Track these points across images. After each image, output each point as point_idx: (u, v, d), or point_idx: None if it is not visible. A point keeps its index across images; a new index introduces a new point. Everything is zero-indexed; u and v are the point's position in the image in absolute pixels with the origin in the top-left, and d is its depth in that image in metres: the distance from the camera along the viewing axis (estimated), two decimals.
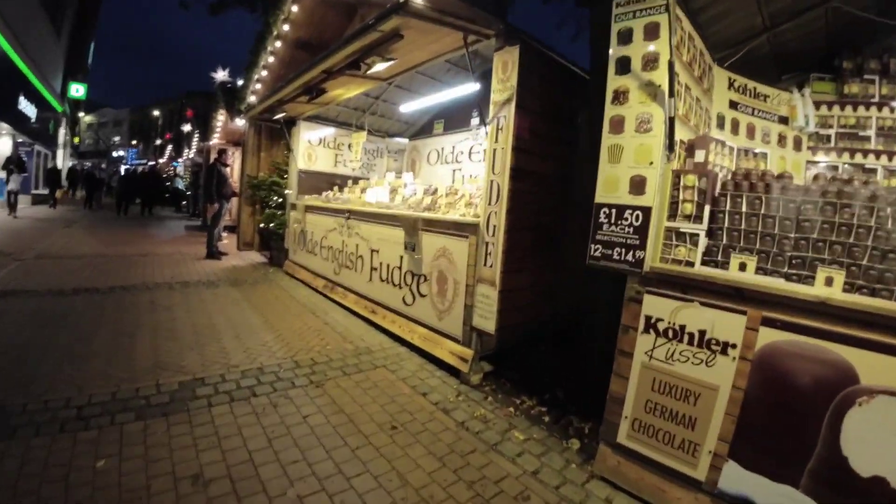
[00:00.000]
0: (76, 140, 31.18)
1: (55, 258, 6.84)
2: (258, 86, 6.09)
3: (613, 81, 2.45)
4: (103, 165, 26.18)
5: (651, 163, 2.33)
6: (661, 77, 2.28)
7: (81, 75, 21.08)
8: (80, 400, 2.70)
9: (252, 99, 6.57)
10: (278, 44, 5.31)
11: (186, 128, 18.97)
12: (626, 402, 2.40)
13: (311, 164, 7.44)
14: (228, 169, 7.95)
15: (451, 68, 6.85)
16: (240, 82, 7.22)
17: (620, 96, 2.43)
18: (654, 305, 2.33)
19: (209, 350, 3.64)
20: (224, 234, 9.63)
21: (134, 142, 47.70)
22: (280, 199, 7.65)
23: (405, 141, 8.54)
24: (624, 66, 2.42)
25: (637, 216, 2.36)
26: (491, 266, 3.35)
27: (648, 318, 2.34)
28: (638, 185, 2.36)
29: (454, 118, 7.50)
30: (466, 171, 7.15)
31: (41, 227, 10.54)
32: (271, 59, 5.69)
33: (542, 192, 3.61)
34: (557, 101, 3.71)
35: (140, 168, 23.98)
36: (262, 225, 7.59)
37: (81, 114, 31.91)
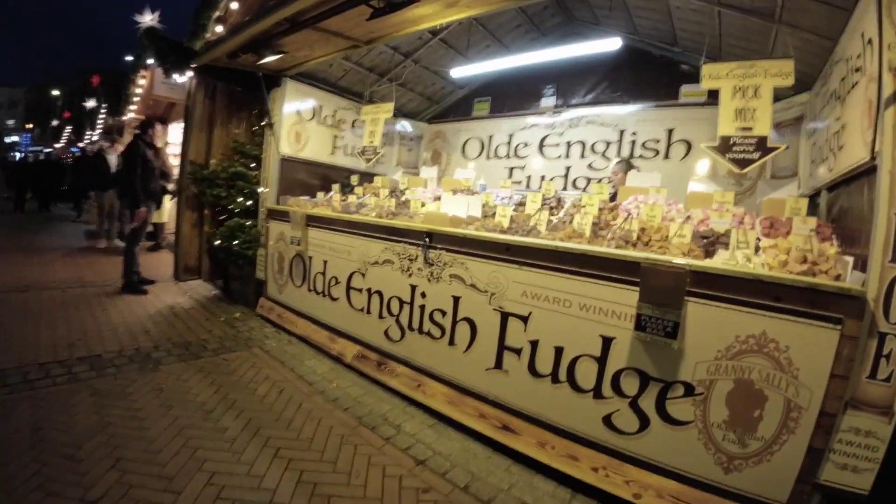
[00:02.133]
0: None
1: None
2: (234, 4, 3.48)
3: None
4: None
5: None
6: None
7: None
8: None
9: (218, 29, 3.88)
10: None
11: (90, 103, 14.41)
12: None
13: (299, 149, 4.91)
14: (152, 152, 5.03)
15: (521, 24, 4.78)
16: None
17: None
18: None
19: None
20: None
21: (29, 125, 40.60)
22: (249, 203, 4.96)
23: (423, 125, 6.27)
24: None
25: None
26: (888, 379, 1.57)
27: None
28: None
29: (507, 97, 5.42)
30: (534, 169, 5.13)
31: None
32: None
33: None
34: None
35: (34, 156, 18.47)
36: (216, 242, 4.86)
37: None
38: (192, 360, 3.31)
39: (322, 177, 5.18)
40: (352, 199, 4.44)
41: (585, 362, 2.23)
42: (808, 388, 1.77)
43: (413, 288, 3.02)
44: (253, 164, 5.15)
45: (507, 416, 2.51)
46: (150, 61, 5.90)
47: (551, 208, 3.26)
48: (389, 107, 4.52)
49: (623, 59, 4.38)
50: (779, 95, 2.84)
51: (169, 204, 7.31)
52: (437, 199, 4.10)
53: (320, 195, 4.83)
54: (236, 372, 3.20)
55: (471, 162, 5.65)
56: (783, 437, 1.83)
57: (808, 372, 1.76)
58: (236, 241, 4.78)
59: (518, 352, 2.47)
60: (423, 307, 2.96)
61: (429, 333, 2.93)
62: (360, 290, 3.47)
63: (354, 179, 5.04)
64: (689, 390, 1.98)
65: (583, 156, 4.74)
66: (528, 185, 5.07)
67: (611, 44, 3.53)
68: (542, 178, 5.02)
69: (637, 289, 2.07)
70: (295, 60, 3.94)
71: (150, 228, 6.24)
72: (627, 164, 3.98)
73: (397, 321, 3.15)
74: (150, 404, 2.61)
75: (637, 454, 2.13)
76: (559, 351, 2.31)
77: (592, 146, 4.68)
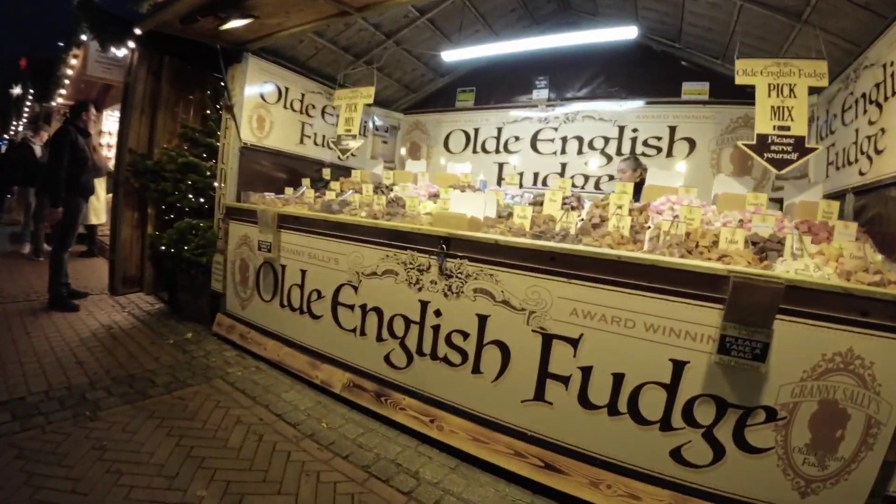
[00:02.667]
0: None
1: None
2: None
3: None
4: None
5: None
6: None
7: None
8: None
9: None
10: None
11: (17, 90, 12.43)
12: None
13: (262, 137, 4.24)
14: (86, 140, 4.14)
15: (515, 8, 4.40)
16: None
17: None
18: None
19: None
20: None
21: None
22: (203, 200, 4.21)
23: (398, 115, 5.76)
24: None
25: None
26: None
27: None
28: None
29: (494, 88, 5.04)
30: (527, 165, 4.79)
31: None
32: None
33: None
34: None
35: None
36: (163, 247, 4.08)
37: None
38: (138, 401, 2.63)
39: (289, 169, 4.53)
40: (329, 195, 3.88)
41: (651, 390, 1.91)
42: (888, 403, 1.68)
43: (424, 305, 2.56)
44: (206, 155, 4.40)
45: (551, 454, 2.15)
46: (84, 38, 4.95)
47: (572, 208, 2.93)
48: (370, 91, 3.99)
49: (621, 53, 4.11)
50: None
51: (101, 202, 6.25)
52: (434, 196, 3.66)
53: (289, 191, 4.21)
54: (198, 415, 2.58)
55: (455, 156, 5.23)
56: (861, 454, 1.72)
57: (889, 386, 1.67)
58: (187, 246, 4.04)
59: (565, 380, 2.10)
60: (437, 328, 2.52)
61: (445, 359, 2.49)
62: (350, 307, 2.95)
63: (326, 173, 4.47)
64: (772, 415, 1.76)
65: (580, 152, 4.47)
66: (520, 183, 4.73)
67: (626, 32, 3.25)
68: (536, 175, 4.71)
69: (716, 305, 1.79)
70: (263, 30, 3.31)
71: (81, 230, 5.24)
72: (635, 162, 3.74)
73: (402, 344, 2.68)
74: (92, 470, 1.97)
75: (707, 487, 1.88)
76: (619, 378, 1.97)
77: (590, 142, 4.42)
